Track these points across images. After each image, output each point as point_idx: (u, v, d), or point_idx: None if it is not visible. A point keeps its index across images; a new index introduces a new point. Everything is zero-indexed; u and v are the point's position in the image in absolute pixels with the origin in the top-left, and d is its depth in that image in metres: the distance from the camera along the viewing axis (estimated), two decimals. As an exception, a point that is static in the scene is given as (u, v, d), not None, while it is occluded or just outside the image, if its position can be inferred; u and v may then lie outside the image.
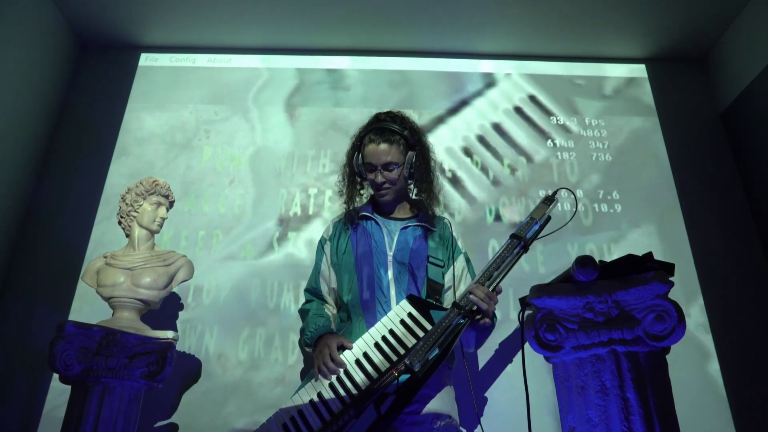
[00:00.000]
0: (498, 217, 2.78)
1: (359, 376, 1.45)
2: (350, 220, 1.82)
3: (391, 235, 1.74)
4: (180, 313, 2.57)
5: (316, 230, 2.74)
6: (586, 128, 3.02)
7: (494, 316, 1.59)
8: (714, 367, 2.44)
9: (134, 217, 2.18)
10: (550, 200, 1.55)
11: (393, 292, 1.65)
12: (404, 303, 1.56)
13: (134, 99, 3.10)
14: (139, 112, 3.07)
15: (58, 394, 2.37)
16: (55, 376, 2.28)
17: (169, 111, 3.07)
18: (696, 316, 2.53)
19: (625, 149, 2.96)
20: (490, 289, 1.48)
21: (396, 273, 1.67)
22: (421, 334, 1.47)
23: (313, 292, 1.82)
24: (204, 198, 2.83)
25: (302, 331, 1.72)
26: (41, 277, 2.66)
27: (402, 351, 1.46)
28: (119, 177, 2.87)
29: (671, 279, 1.30)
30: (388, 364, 1.44)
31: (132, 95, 3.10)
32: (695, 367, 2.44)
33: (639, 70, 3.18)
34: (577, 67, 3.19)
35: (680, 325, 1.26)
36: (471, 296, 1.46)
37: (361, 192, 1.90)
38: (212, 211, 2.80)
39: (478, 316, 1.49)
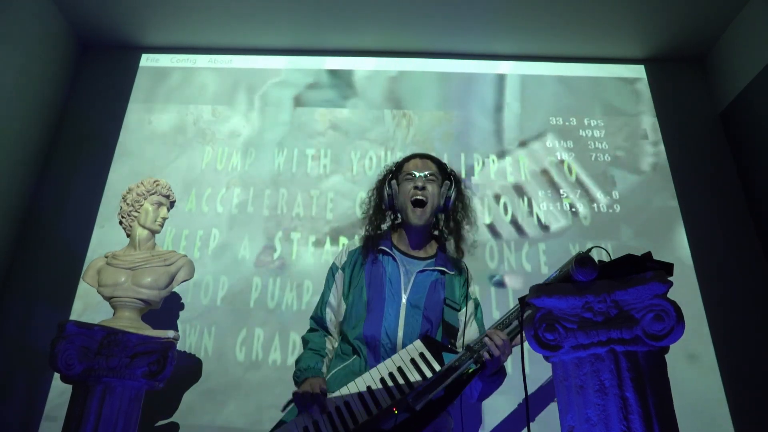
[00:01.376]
0: (491, 225, 2.79)
1: (358, 409, 1.41)
2: (366, 251, 1.74)
3: (408, 276, 1.67)
4: (180, 313, 2.57)
5: (317, 230, 2.75)
6: (585, 129, 3.02)
7: (504, 371, 1.55)
8: (713, 366, 2.44)
9: (135, 217, 2.18)
10: None
11: (400, 334, 1.58)
12: (417, 342, 1.51)
13: (135, 99, 3.11)
14: (140, 112, 3.08)
15: (59, 393, 2.38)
16: (56, 375, 2.29)
17: (170, 111, 3.08)
18: (695, 315, 2.53)
19: (624, 149, 2.96)
20: (508, 338, 1.43)
21: (408, 316, 1.60)
22: (429, 374, 1.43)
23: (318, 321, 1.74)
24: (204, 198, 2.84)
25: (296, 363, 1.66)
26: (42, 276, 2.66)
27: (407, 389, 1.41)
28: (120, 177, 2.88)
29: (670, 279, 1.30)
30: (389, 401, 1.40)
31: (133, 96, 3.11)
32: (694, 367, 2.44)
33: (638, 71, 3.19)
34: (576, 67, 3.19)
35: (679, 325, 1.26)
36: (486, 339, 1.42)
37: (382, 224, 1.81)
38: (212, 211, 2.81)
39: (487, 357, 1.43)
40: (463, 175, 2.87)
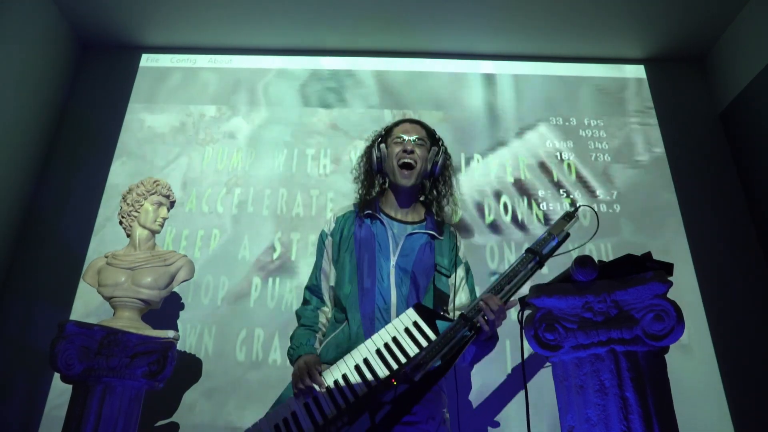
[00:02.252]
0: (492, 224, 2.79)
1: (357, 382, 1.41)
2: (354, 215, 1.75)
3: (396, 240, 1.67)
4: (180, 313, 2.57)
5: (317, 230, 2.74)
6: (585, 128, 3.02)
7: (496, 336, 1.53)
8: (713, 366, 2.45)
9: (135, 217, 2.18)
10: (570, 216, 1.49)
11: (394, 299, 1.59)
12: (410, 311, 1.50)
13: (135, 99, 3.11)
14: (140, 112, 3.08)
15: (59, 393, 2.38)
16: (56, 375, 2.29)
17: (170, 111, 3.08)
18: (695, 315, 2.53)
19: (623, 149, 2.96)
20: (503, 303, 1.43)
21: (398, 280, 1.62)
22: (424, 343, 1.42)
23: (312, 290, 1.75)
24: (204, 198, 2.84)
25: (290, 339, 1.68)
26: (42, 276, 2.66)
27: (403, 360, 1.41)
28: (120, 177, 2.88)
29: (670, 279, 1.30)
30: (387, 372, 1.40)
31: (133, 96, 3.11)
32: (694, 367, 2.44)
33: (638, 71, 3.19)
34: (576, 67, 3.19)
35: (679, 325, 1.27)
36: (481, 303, 1.41)
37: (374, 186, 1.82)
38: (213, 211, 2.81)
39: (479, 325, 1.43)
40: (462, 174, 2.88)
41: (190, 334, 2.52)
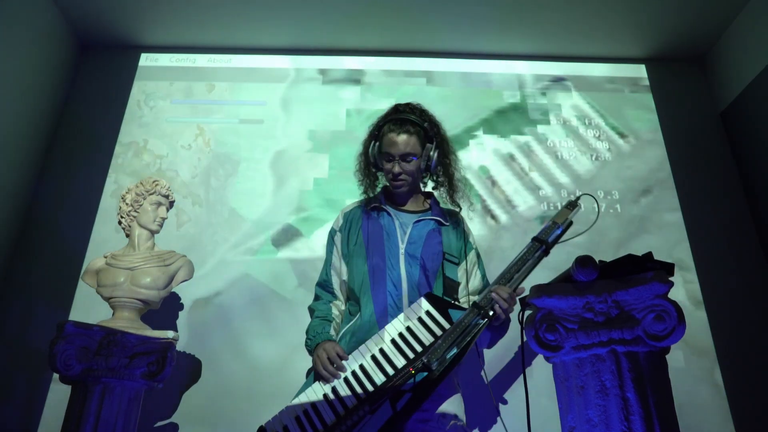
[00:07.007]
0: (492, 217, 2.79)
1: (375, 372, 1.43)
2: (361, 210, 1.79)
3: (404, 228, 1.71)
4: (180, 313, 2.57)
5: (320, 229, 2.74)
6: (585, 128, 3.02)
7: (509, 318, 1.57)
8: (714, 367, 2.44)
9: (134, 217, 2.18)
10: (573, 205, 1.55)
11: (405, 286, 1.62)
12: (422, 301, 1.54)
13: (134, 99, 3.10)
14: (140, 111, 3.07)
15: (59, 393, 2.38)
16: (56, 375, 2.29)
17: (170, 111, 3.07)
18: (696, 315, 2.53)
19: (624, 149, 2.96)
20: (513, 291, 1.48)
21: (408, 267, 1.65)
22: (438, 332, 1.45)
23: (324, 286, 1.77)
24: (204, 198, 2.83)
25: (306, 333, 1.68)
26: (41, 277, 2.66)
27: (419, 348, 1.44)
28: (119, 177, 2.87)
29: (671, 279, 1.30)
30: (404, 361, 1.43)
31: (132, 95, 3.10)
32: (695, 367, 2.44)
33: (639, 70, 3.19)
34: (576, 67, 3.19)
35: (680, 325, 1.26)
36: (493, 294, 1.45)
37: (376, 183, 1.85)
38: (212, 211, 2.80)
39: (492, 313, 1.47)
40: (465, 171, 2.87)
41: (189, 334, 2.51)
